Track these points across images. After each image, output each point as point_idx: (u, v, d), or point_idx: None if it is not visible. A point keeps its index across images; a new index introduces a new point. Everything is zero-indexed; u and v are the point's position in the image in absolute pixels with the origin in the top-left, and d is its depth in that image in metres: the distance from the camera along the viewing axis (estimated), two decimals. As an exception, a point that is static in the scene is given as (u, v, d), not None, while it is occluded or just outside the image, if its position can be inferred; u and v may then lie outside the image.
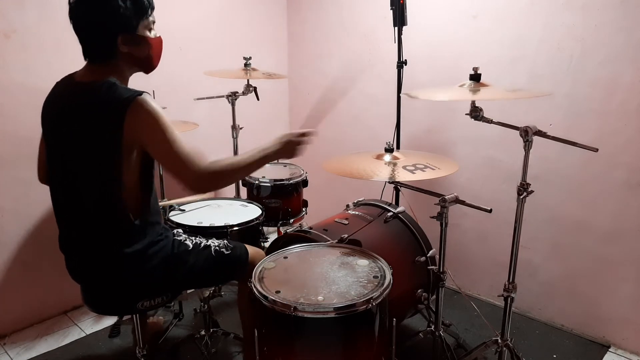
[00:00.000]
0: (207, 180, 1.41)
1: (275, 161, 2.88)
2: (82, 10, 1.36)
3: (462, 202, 1.83)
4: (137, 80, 1.52)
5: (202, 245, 1.66)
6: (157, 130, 1.34)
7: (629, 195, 2.13)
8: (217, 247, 1.68)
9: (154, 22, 1.48)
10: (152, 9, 1.45)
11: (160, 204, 1.86)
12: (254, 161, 1.49)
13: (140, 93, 1.34)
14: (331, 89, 1.64)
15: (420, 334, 2.09)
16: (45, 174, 1.57)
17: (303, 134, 1.59)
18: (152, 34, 1.46)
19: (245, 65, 2.65)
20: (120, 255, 1.44)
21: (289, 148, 1.57)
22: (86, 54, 1.42)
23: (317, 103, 1.65)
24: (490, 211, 1.73)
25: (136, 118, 1.32)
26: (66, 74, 1.48)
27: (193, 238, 1.68)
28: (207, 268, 1.64)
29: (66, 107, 1.41)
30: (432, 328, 2.04)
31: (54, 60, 2.31)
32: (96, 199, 1.41)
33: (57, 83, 1.49)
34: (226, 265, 1.69)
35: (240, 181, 2.74)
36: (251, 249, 1.77)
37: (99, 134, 1.34)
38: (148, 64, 1.50)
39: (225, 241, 1.73)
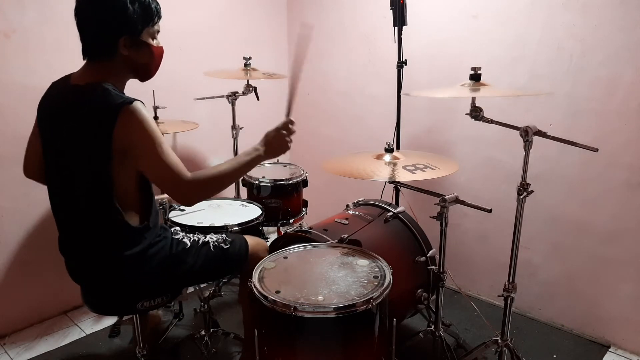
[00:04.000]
0: (193, 191, 1.41)
1: (276, 161, 2.92)
2: (89, 7, 1.37)
3: (462, 202, 1.83)
4: (137, 81, 1.52)
5: (201, 241, 1.65)
6: (147, 140, 1.34)
7: (629, 195, 2.13)
8: (215, 242, 1.67)
9: (158, 31, 1.48)
10: (159, 18, 1.46)
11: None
12: (239, 167, 1.49)
13: (132, 101, 1.33)
14: (294, 77, 1.59)
15: (420, 334, 2.09)
16: (31, 169, 1.59)
17: (282, 127, 1.58)
18: (154, 43, 1.47)
19: (245, 65, 2.65)
20: (119, 258, 1.44)
21: (273, 146, 1.57)
22: (86, 52, 1.41)
23: (287, 94, 1.61)
24: (490, 211, 1.73)
25: (126, 125, 1.32)
26: (66, 74, 1.48)
27: (191, 235, 1.67)
28: (207, 264, 1.63)
29: (60, 109, 1.41)
30: (432, 328, 2.04)
31: (54, 60, 2.30)
32: (91, 203, 1.41)
33: (53, 83, 1.49)
34: (226, 260, 1.68)
35: (240, 181, 2.75)
36: (251, 240, 1.76)
37: (90, 137, 1.34)
38: (146, 71, 1.49)
39: (224, 235, 1.72)
